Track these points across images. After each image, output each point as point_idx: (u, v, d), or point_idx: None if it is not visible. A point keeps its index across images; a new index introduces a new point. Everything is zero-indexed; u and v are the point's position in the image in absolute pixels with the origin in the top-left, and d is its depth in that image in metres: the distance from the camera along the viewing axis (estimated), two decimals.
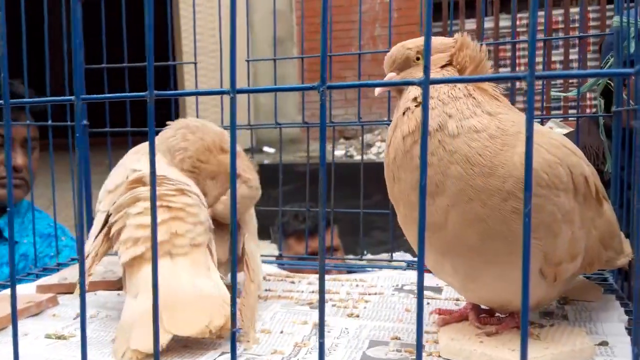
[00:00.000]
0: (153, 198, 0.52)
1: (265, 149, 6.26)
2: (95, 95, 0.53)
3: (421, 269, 0.46)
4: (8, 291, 1.19)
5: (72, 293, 1.17)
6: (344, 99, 6.45)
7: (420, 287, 0.46)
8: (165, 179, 0.98)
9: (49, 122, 1.45)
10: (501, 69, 6.07)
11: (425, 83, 0.47)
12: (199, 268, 0.92)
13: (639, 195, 0.56)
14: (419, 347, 0.46)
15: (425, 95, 0.48)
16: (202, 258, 0.94)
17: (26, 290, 1.18)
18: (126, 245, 0.91)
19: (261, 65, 5.18)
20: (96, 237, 0.95)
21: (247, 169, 1.12)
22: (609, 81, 1.28)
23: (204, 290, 0.88)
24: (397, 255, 1.59)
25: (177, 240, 0.93)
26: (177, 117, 1.49)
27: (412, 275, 1.28)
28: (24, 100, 0.57)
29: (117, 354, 0.82)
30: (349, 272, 1.61)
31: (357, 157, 6.12)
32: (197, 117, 1.58)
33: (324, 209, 0.48)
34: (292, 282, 1.25)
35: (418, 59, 0.86)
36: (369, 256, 1.52)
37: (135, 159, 1.08)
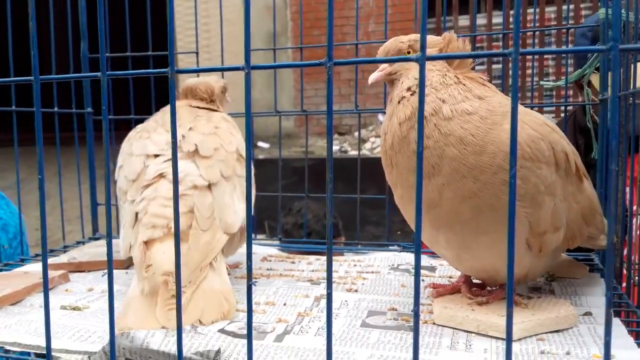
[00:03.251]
0: (175, 172, 0.58)
1: (260, 144, 6.30)
2: (119, 72, 0.58)
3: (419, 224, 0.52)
4: (21, 269, 1.24)
5: (82, 271, 1.22)
6: (338, 94, 6.50)
7: (418, 227, 0.51)
8: (186, 175, 1.06)
9: (55, 109, 1.50)
10: (494, 65, 6.17)
11: (422, 59, 0.53)
12: (208, 252, 0.98)
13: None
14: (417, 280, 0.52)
15: (422, 71, 0.53)
16: (211, 246, 1.00)
17: (37, 268, 1.23)
18: (146, 227, 1.00)
19: (256, 60, 5.18)
20: (133, 227, 1.03)
21: None
22: (595, 70, 1.34)
23: (205, 282, 0.95)
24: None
25: (192, 231, 1.01)
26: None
27: (407, 256, 1.34)
28: (53, 77, 0.62)
29: (117, 324, 0.88)
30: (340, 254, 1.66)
31: (352, 152, 6.18)
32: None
33: (331, 173, 0.53)
34: (293, 262, 1.30)
35: (409, 52, 0.92)
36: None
37: (141, 145, 1.14)
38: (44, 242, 0.64)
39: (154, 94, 1.55)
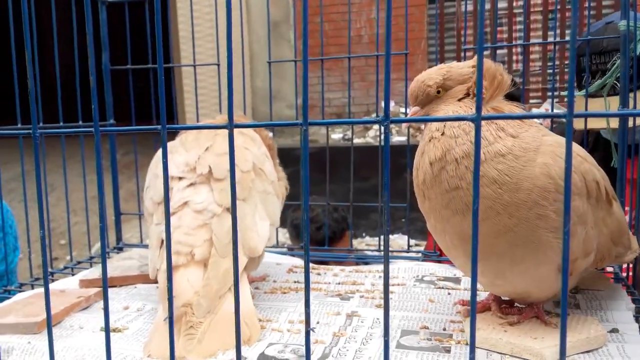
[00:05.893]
0: (233, 198, 0.60)
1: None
2: (178, 125, 0.60)
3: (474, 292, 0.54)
4: (57, 286, 1.26)
5: (114, 286, 1.25)
6: (340, 82, 6.49)
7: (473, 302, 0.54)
8: (209, 204, 1.09)
9: (79, 123, 1.51)
10: (498, 51, 6.17)
11: (478, 120, 0.55)
12: (228, 280, 1.00)
13: None
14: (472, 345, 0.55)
15: (478, 131, 0.55)
16: (231, 272, 1.01)
17: (69, 285, 1.26)
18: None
19: (258, 48, 5.21)
20: (159, 251, 1.07)
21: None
22: (615, 82, 1.35)
23: (224, 309, 0.96)
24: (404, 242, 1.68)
25: (211, 259, 1.03)
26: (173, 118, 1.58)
27: (430, 266, 1.37)
28: (115, 129, 0.64)
29: (144, 350, 0.93)
30: (364, 263, 1.69)
31: (356, 141, 6.17)
32: (197, 120, 1.67)
33: (388, 206, 0.55)
34: (319, 274, 1.33)
35: (439, 92, 0.92)
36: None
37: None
38: (104, 277, 0.66)
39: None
